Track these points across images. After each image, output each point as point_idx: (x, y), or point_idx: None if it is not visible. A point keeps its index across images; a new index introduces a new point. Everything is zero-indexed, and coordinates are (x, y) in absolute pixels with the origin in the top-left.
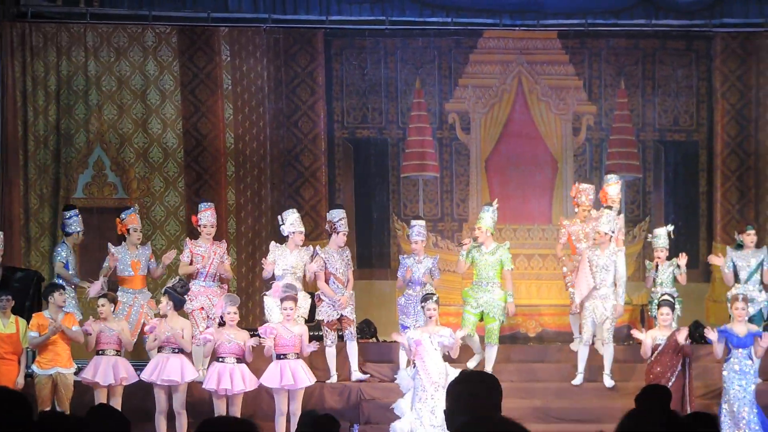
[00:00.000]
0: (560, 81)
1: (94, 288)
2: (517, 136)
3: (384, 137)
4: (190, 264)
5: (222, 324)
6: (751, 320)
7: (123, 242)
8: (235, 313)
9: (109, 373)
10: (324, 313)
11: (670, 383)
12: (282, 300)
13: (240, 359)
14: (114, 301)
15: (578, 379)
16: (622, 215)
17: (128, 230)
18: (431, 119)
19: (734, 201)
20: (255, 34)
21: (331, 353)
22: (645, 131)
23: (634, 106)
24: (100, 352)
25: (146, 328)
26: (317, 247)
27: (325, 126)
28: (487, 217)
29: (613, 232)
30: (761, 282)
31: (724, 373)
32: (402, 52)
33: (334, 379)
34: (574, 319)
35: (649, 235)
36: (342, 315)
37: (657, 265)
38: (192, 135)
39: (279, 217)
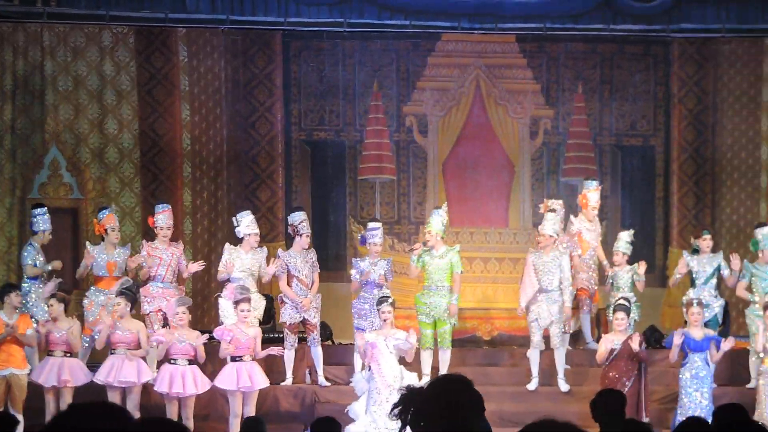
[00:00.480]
0: (518, 85)
1: (47, 288)
2: (474, 140)
3: (341, 139)
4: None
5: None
6: (706, 325)
7: (101, 242)
8: (184, 314)
9: (53, 374)
10: (286, 316)
11: (625, 388)
12: (237, 302)
13: (192, 361)
14: (64, 301)
15: (533, 384)
16: (604, 222)
17: (106, 230)
18: (389, 122)
19: (691, 206)
20: (213, 35)
21: (289, 356)
22: (602, 135)
23: (591, 111)
24: (49, 352)
25: (152, 339)
26: (279, 249)
27: (282, 128)
28: (437, 221)
29: (557, 234)
30: (717, 287)
31: (681, 377)
32: (360, 55)
33: (289, 381)
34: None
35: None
36: (305, 318)
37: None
38: (148, 136)
39: (234, 218)
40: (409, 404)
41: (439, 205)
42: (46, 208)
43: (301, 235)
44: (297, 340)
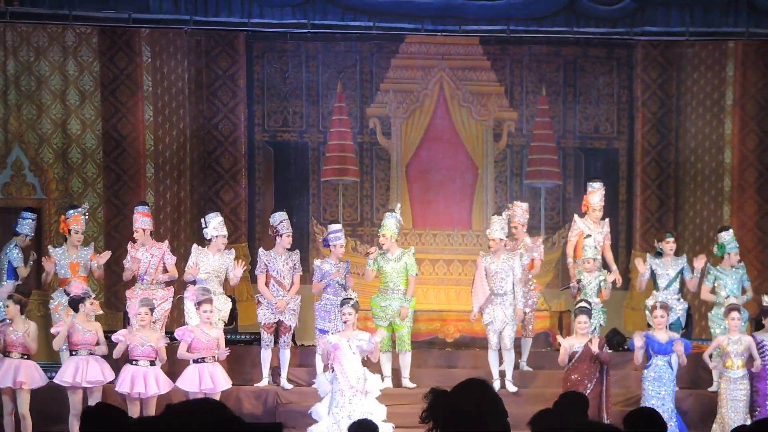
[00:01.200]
0: (482, 87)
1: (3, 289)
2: (437, 142)
3: (304, 141)
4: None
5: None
6: (669, 328)
7: (64, 243)
8: (146, 314)
9: (9, 376)
10: (261, 316)
11: (587, 390)
12: (200, 303)
13: (153, 362)
14: (21, 303)
15: (495, 386)
16: (607, 220)
17: (69, 231)
18: (352, 123)
19: (654, 209)
20: (176, 36)
21: (265, 356)
22: (566, 138)
23: (555, 113)
24: (7, 354)
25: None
26: (260, 249)
27: (245, 129)
28: (391, 223)
29: (507, 237)
30: (680, 290)
31: (644, 379)
32: (324, 56)
33: (264, 382)
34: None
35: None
36: (281, 320)
37: (579, 279)
38: (111, 136)
39: (202, 220)
40: (438, 408)
41: (392, 208)
42: (36, 215)
43: (281, 236)
44: (273, 341)
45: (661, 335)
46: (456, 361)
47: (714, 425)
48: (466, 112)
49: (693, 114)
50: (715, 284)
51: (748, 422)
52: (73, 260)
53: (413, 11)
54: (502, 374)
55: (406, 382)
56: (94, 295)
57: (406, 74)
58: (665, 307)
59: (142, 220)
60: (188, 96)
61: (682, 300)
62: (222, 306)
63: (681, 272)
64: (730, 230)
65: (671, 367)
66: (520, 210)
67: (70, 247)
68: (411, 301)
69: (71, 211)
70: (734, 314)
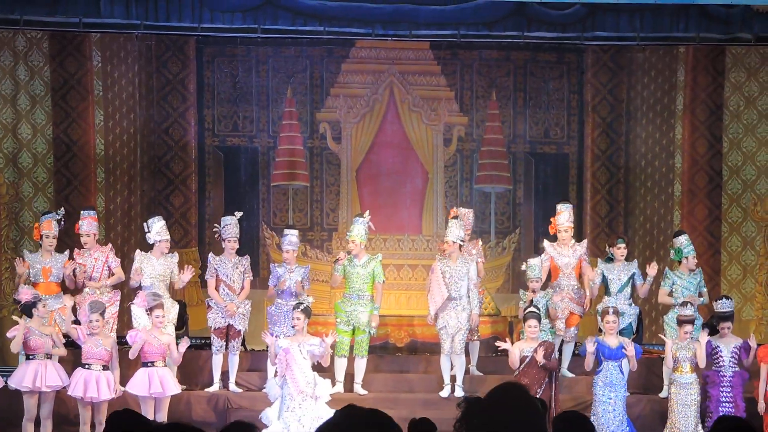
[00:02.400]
0: (432, 92)
1: None
2: (388, 147)
3: (254, 146)
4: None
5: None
6: (620, 333)
7: (40, 249)
8: (97, 321)
9: None
10: (212, 320)
11: (537, 395)
12: (151, 309)
13: (106, 366)
14: None
15: (445, 391)
16: (584, 242)
17: (42, 236)
18: (302, 128)
19: (604, 214)
20: (127, 41)
21: (216, 361)
22: (516, 143)
23: (505, 118)
24: None
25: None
26: (210, 254)
27: (195, 133)
28: (360, 229)
29: (462, 240)
30: (631, 295)
31: (595, 385)
32: (274, 61)
33: (215, 387)
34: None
35: (523, 264)
36: (230, 324)
37: (532, 300)
38: (62, 141)
39: (145, 224)
40: (473, 417)
41: (362, 213)
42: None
43: (223, 240)
44: (224, 345)
45: (612, 340)
46: (408, 366)
47: (665, 431)
48: (417, 116)
49: (643, 119)
50: (674, 288)
51: (700, 428)
52: (46, 265)
53: (364, 16)
54: (453, 379)
55: (358, 388)
56: (43, 299)
57: (357, 79)
58: (617, 313)
59: (92, 225)
60: (138, 101)
61: (633, 305)
62: (169, 310)
63: (632, 277)
64: (686, 234)
65: (622, 373)
66: (464, 219)
67: (44, 251)
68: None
69: (44, 217)
70: (687, 327)
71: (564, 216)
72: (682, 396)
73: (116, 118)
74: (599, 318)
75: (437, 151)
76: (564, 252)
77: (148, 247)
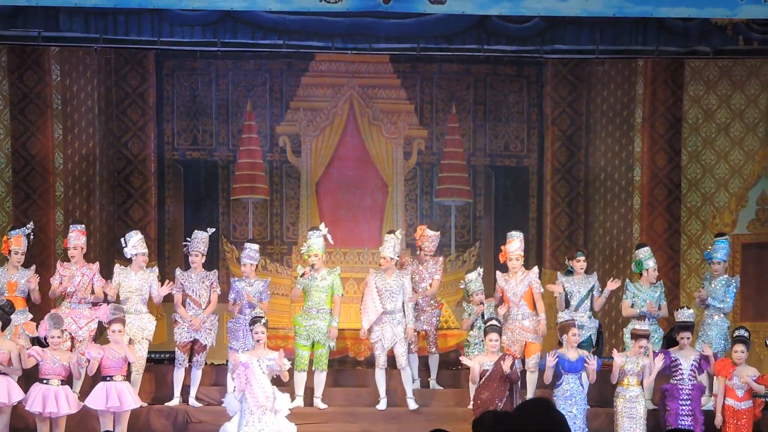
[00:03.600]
0: (392, 105)
1: None
2: (348, 160)
3: (214, 159)
4: (60, 284)
5: (44, 345)
6: (580, 346)
7: (6, 263)
8: (59, 337)
9: None
10: (177, 335)
11: (498, 409)
12: (110, 322)
13: (64, 381)
14: None
15: (382, 404)
16: (534, 269)
17: (9, 251)
18: (262, 142)
19: (564, 227)
20: (86, 54)
21: (178, 375)
22: (476, 156)
23: (465, 131)
24: None
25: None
26: (177, 269)
27: (155, 147)
28: (319, 243)
29: (398, 256)
30: (591, 308)
31: (555, 398)
32: (233, 74)
33: (176, 401)
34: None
35: (462, 281)
36: (196, 338)
37: (482, 312)
38: (21, 155)
39: (122, 239)
40: (499, 429)
41: (317, 226)
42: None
43: (188, 255)
44: (187, 359)
45: (572, 354)
46: (367, 380)
47: None
48: (376, 130)
49: (603, 132)
50: (634, 301)
51: None
52: (12, 280)
53: (323, 29)
54: (404, 392)
55: (318, 402)
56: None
57: (316, 92)
58: (575, 326)
59: (80, 239)
60: (98, 114)
61: (593, 318)
62: (146, 325)
63: (591, 290)
64: (647, 247)
65: (582, 386)
66: (428, 241)
67: (11, 267)
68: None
69: (13, 232)
70: (642, 341)
71: (515, 244)
72: (628, 409)
73: (75, 132)
74: (558, 332)
75: (397, 164)
76: (512, 280)
77: (111, 260)
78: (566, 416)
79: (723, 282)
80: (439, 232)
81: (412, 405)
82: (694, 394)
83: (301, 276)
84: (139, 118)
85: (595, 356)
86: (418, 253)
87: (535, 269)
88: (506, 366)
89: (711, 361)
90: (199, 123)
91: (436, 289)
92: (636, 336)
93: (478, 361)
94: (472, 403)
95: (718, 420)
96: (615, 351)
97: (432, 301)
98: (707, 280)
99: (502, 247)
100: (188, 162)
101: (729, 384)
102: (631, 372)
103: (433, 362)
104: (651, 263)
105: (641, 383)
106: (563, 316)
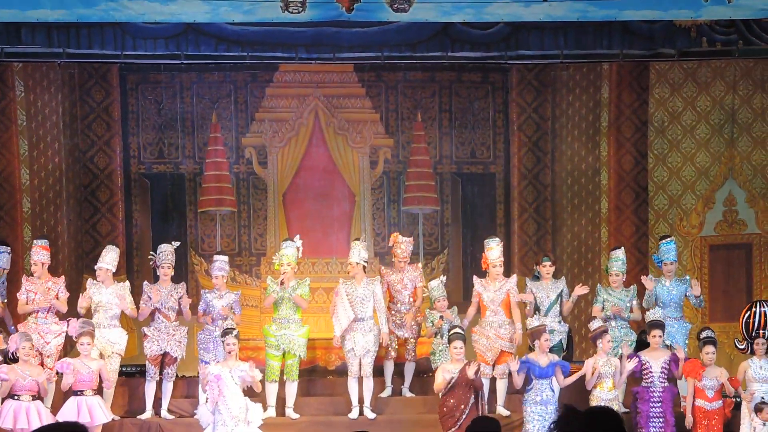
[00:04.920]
0: (357, 114)
1: None
2: (314, 170)
3: (181, 172)
4: (26, 303)
5: (15, 360)
6: (550, 351)
7: None
8: (30, 348)
9: None
10: (148, 348)
11: (464, 415)
12: (79, 336)
13: (35, 396)
14: None
15: (354, 413)
16: (514, 276)
17: None
18: (228, 153)
19: (531, 232)
20: (49, 69)
21: (149, 388)
22: (442, 163)
23: (431, 139)
24: None
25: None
26: (145, 282)
27: (121, 161)
28: (293, 253)
29: (366, 261)
30: (560, 313)
31: (525, 402)
32: (198, 87)
33: (148, 414)
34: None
35: (425, 289)
36: (166, 351)
37: (442, 317)
38: None
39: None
40: (567, 424)
41: (291, 237)
42: (9, 247)
43: (158, 267)
44: (158, 372)
45: (542, 359)
46: (338, 389)
47: None
48: (342, 139)
49: (569, 136)
50: (604, 304)
51: None
52: None
53: (286, 40)
54: (361, 401)
55: (290, 411)
56: None
57: (281, 103)
58: (548, 332)
59: (41, 254)
60: (63, 129)
61: (563, 323)
62: (117, 339)
63: (560, 295)
64: (617, 251)
65: (552, 390)
66: (400, 247)
67: None
68: (305, 330)
69: None
70: (607, 336)
71: (495, 252)
72: None
73: (41, 148)
74: (529, 337)
75: (364, 173)
76: (491, 287)
77: (80, 275)
78: (538, 421)
79: (629, 293)
80: (411, 238)
81: (370, 414)
82: (665, 396)
83: (281, 284)
84: (104, 133)
85: (562, 360)
86: (393, 260)
87: (514, 277)
88: (471, 372)
89: (680, 362)
90: (164, 136)
91: (421, 297)
92: (602, 332)
93: (442, 370)
94: (438, 411)
95: (688, 421)
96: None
97: (412, 310)
98: (660, 282)
99: (483, 255)
100: (155, 175)
101: (698, 385)
102: (606, 374)
103: (409, 369)
104: (614, 266)
105: (615, 386)
106: (534, 321)
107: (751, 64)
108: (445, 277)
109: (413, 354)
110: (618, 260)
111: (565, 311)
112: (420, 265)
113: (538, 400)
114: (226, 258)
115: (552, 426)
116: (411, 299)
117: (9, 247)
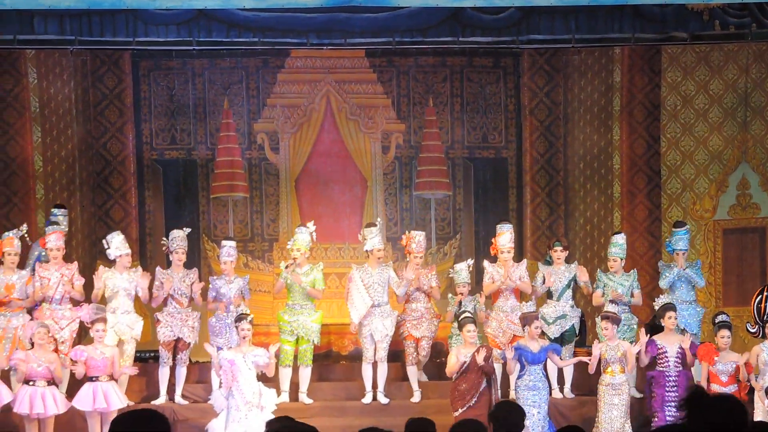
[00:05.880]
0: (369, 99)
1: None
2: (326, 155)
3: (193, 158)
4: (42, 288)
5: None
6: (563, 335)
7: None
8: (46, 333)
9: None
10: (161, 333)
11: (474, 399)
12: (93, 322)
13: (50, 381)
14: None
15: (367, 398)
16: (524, 261)
17: (3, 253)
18: (240, 139)
19: (544, 217)
20: (62, 56)
21: (163, 373)
22: (454, 148)
23: (442, 124)
24: None
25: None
26: (158, 268)
27: (133, 147)
28: (305, 239)
29: (379, 250)
30: (573, 297)
31: (518, 388)
32: (210, 73)
33: (162, 399)
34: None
35: (450, 270)
36: (180, 337)
37: (460, 301)
38: (0, 159)
39: (104, 241)
40: (695, 405)
41: (305, 224)
42: (65, 209)
43: (171, 253)
44: (171, 358)
45: (533, 345)
46: (352, 374)
47: (593, 430)
48: (354, 125)
49: (581, 121)
50: (604, 290)
51: (627, 426)
52: (9, 282)
53: (298, 26)
54: (375, 386)
55: (303, 397)
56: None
57: (293, 89)
58: (540, 319)
59: (58, 240)
60: (76, 116)
61: (575, 307)
62: (133, 324)
63: (573, 279)
64: (616, 236)
65: (545, 375)
66: (414, 242)
67: (6, 268)
68: (318, 316)
69: (6, 234)
70: (606, 323)
71: (506, 237)
72: (610, 396)
73: (54, 134)
74: (520, 321)
75: (375, 158)
76: (503, 273)
77: (94, 262)
78: (531, 405)
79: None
80: (423, 232)
81: (383, 399)
82: (680, 381)
83: (286, 267)
84: (117, 119)
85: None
86: (409, 258)
87: (524, 262)
88: (480, 358)
89: (690, 345)
90: (176, 122)
91: (437, 298)
92: (601, 318)
93: (455, 353)
94: (450, 394)
95: None
96: (595, 342)
97: (431, 311)
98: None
99: (493, 240)
100: (167, 161)
101: (713, 370)
102: (613, 359)
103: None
104: (612, 251)
105: (624, 370)
106: (529, 306)
107: (764, 47)
108: (472, 260)
109: (428, 353)
110: (616, 245)
111: (590, 294)
112: (435, 268)
113: (531, 386)
114: (233, 243)
115: (680, 403)
116: (426, 300)
117: (66, 209)
